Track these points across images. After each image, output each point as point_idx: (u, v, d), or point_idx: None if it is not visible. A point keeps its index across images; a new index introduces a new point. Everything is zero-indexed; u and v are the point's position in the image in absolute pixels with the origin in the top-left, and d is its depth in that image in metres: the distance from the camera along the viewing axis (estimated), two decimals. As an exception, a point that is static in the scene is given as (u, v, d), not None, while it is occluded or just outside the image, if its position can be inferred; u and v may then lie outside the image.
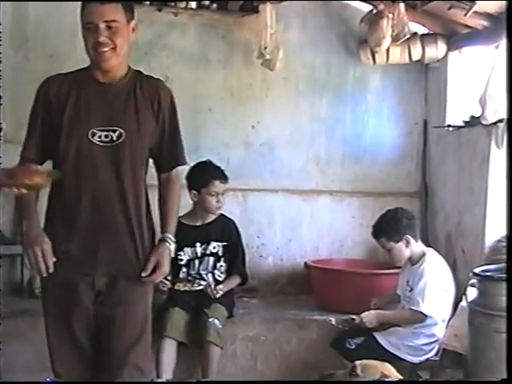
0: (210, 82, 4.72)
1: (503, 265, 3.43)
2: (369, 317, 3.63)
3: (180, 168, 2.88)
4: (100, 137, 2.58)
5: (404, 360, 3.52)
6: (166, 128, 2.72)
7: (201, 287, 3.96)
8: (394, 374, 2.69)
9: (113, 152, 2.59)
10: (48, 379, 2.74)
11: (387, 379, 2.66)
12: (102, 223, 2.61)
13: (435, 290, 3.54)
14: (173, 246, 2.70)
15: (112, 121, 2.60)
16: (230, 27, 4.68)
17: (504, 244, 3.86)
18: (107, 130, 2.59)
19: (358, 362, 2.66)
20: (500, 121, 3.86)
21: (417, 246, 3.68)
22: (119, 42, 2.57)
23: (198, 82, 4.69)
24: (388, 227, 3.69)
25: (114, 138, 2.59)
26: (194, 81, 4.69)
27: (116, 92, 2.66)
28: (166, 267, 2.66)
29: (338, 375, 2.67)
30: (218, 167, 4.04)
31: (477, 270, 3.23)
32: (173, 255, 2.72)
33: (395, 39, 4.32)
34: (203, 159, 4.10)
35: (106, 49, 2.56)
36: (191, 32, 4.68)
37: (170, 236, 2.70)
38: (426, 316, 3.51)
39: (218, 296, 3.87)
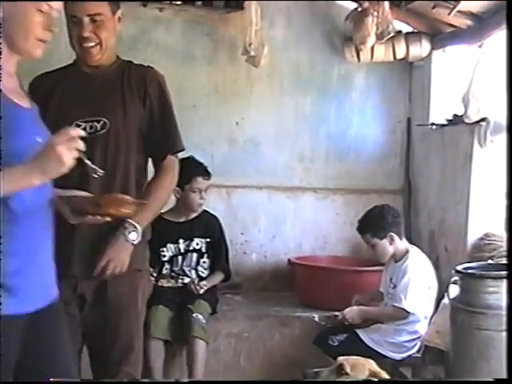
0: (194, 79, 4.71)
1: (485, 262, 3.47)
2: (351, 313, 3.64)
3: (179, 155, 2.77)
4: (84, 128, 2.47)
5: (386, 357, 3.54)
6: (154, 114, 2.62)
7: (184, 284, 3.96)
8: (380, 370, 2.70)
9: (97, 143, 2.49)
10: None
11: (376, 378, 2.67)
12: None
13: (418, 287, 3.56)
14: (130, 232, 2.49)
15: (96, 111, 2.53)
16: (215, 24, 4.67)
17: (486, 242, 3.89)
18: (92, 121, 2.52)
19: (341, 359, 2.66)
20: (483, 119, 3.89)
21: (401, 244, 3.70)
22: (104, 35, 2.53)
23: (182, 79, 4.67)
24: (373, 223, 3.70)
25: (98, 128, 2.51)
26: (178, 77, 4.66)
27: (101, 81, 2.59)
28: (114, 255, 2.48)
29: (324, 373, 2.67)
30: (201, 163, 4.03)
31: (459, 268, 3.26)
32: (134, 242, 2.52)
33: (379, 37, 4.34)
34: (186, 156, 4.09)
35: (91, 44, 2.51)
36: (176, 28, 4.67)
37: (132, 222, 2.50)
38: (408, 313, 3.52)
39: (201, 292, 3.87)
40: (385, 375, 2.72)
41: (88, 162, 1.92)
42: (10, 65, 1.89)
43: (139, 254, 2.61)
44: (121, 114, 2.55)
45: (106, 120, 2.52)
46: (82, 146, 1.76)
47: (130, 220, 2.48)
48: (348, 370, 2.61)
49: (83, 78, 2.60)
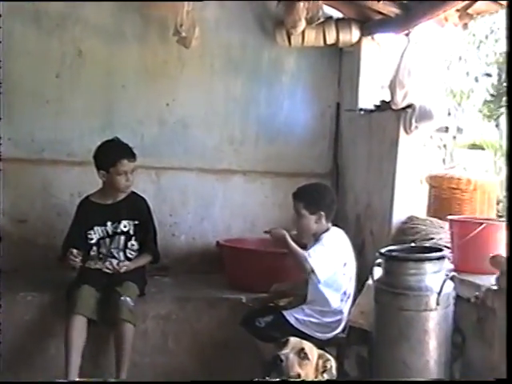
0: (124, 58, 4.64)
1: (408, 245, 3.56)
2: (277, 231, 3.66)
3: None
4: None
5: (312, 337, 3.58)
6: None
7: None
8: (323, 352, 2.78)
9: None
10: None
11: (323, 360, 2.73)
12: None
13: (328, 257, 3.55)
14: None
15: None
16: (146, 2, 4.60)
17: (409, 225, 4.00)
18: None
19: (296, 341, 2.72)
20: (409, 106, 3.98)
21: (325, 226, 3.72)
22: None
23: (111, 58, 4.61)
24: (311, 196, 3.72)
25: None
26: (107, 56, 4.61)
27: None
28: None
29: (290, 355, 2.70)
30: (126, 145, 3.96)
31: (382, 250, 3.34)
32: None
33: (309, 22, 4.37)
34: (111, 137, 4.03)
35: None
36: (106, 5, 4.57)
37: None
38: (312, 270, 3.50)
39: (122, 271, 3.84)
40: (328, 356, 2.80)
41: None
42: None
43: None
44: None
45: None
46: None
47: None
48: (309, 355, 2.68)
49: None
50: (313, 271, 3.50)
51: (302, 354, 2.74)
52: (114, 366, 3.68)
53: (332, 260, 3.57)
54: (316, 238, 3.70)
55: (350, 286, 3.69)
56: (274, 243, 3.76)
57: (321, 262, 3.51)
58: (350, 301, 3.69)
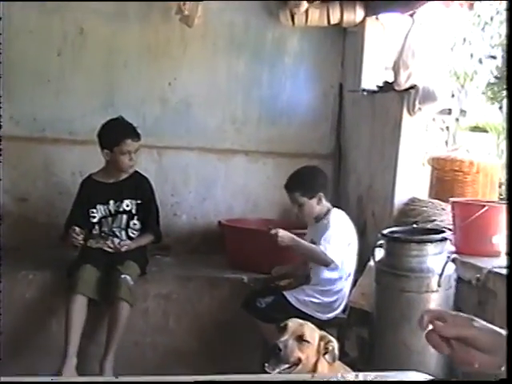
0: (126, 37, 4.61)
1: (410, 227, 3.56)
2: (284, 234, 3.58)
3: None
4: None
5: (313, 317, 3.59)
6: None
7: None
8: (325, 334, 2.77)
9: None
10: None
11: (324, 342, 2.73)
12: None
13: (339, 241, 3.57)
14: None
15: None
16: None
17: (411, 207, 3.99)
18: None
19: (296, 325, 2.71)
20: (412, 87, 3.96)
21: (325, 205, 3.73)
22: None
23: (113, 36, 4.58)
24: (304, 183, 3.71)
25: None
26: (109, 35, 4.57)
27: None
28: None
29: (289, 342, 2.68)
30: (130, 124, 3.94)
31: (384, 232, 3.34)
32: None
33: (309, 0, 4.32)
34: (116, 116, 4.02)
35: None
36: (108, -16, 4.54)
37: None
38: (332, 261, 3.52)
39: (122, 250, 3.84)
40: (330, 337, 2.79)
41: None
42: None
43: None
44: None
45: None
46: None
47: None
48: (310, 339, 2.67)
49: None
50: (332, 261, 3.52)
51: (301, 339, 2.73)
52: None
53: (340, 243, 3.58)
54: (318, 219, 3.70)
55: (351, 266, 3.70)
56: (282, 242, 3.66)
57: (335, 249, 3.52)
58: (350, 280, 3.69)
